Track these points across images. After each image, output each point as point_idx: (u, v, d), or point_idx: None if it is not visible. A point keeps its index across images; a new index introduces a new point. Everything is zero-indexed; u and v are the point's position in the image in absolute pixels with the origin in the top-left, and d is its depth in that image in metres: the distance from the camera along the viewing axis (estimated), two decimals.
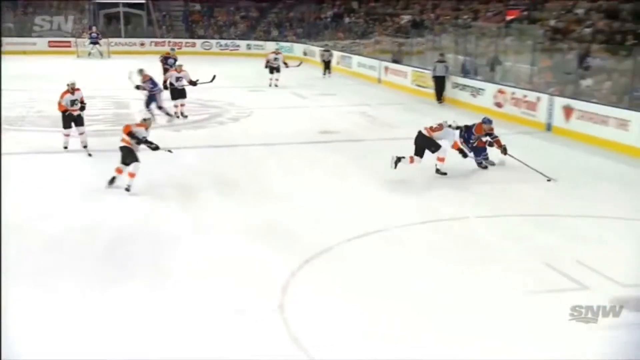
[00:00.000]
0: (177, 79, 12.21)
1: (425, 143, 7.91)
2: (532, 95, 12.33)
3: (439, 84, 15.23)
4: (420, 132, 7.97)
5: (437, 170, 8.09)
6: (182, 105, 12.47)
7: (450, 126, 8.01)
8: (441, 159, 8.05)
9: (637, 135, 9.27)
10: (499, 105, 13.28)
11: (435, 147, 7.91)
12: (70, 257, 5.25)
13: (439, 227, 6.23)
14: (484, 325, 4.04)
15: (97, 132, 10.54)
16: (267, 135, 11.12)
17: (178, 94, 12.32)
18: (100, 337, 3.86)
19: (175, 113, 12.38)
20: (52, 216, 6.34)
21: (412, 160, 7.91)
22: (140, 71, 11.79)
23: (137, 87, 11.79)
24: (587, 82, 11.94)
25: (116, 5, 31.81)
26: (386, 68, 19.51)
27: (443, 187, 7.75)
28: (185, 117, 12.46)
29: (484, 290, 4.63)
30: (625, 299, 4.30)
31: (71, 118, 9.01)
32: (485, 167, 8.52)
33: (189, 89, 12.46)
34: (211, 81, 13.05)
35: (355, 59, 22.46)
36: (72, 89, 9.02)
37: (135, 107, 13.07)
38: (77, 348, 3.70)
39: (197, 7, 34.01)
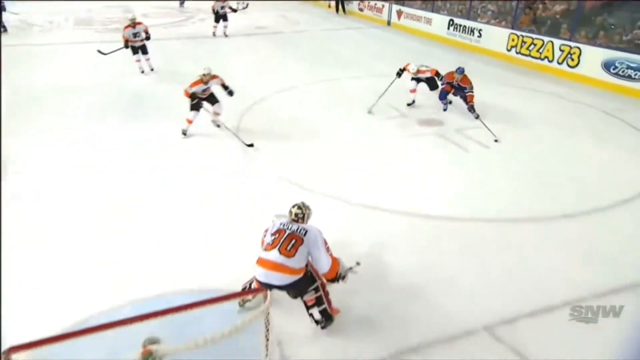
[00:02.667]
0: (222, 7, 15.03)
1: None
2: (380, 4, 19.27)
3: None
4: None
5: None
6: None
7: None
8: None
9: (437, 27, 15.94)
10: (361, 9, 20.52)
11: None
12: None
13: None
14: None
15: None
16: None
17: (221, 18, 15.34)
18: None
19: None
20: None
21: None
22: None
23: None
24: None
25: None
26: None
27: None
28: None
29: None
30: None
31: (134, 48, 10.57)
32: (445, 110, 8.85)
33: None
34: (245, 8, 16.92)
35: None
36: (133, 24, 10.41)
37: None
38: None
39: None
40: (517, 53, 12.80)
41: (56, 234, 5.03)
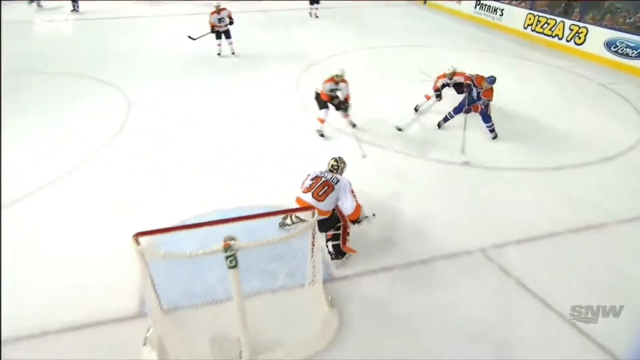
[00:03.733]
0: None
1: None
2: None
3: None
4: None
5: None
6: None
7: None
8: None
9: (466, 6, 16.15)
10: None
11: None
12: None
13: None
14: None
15: None
16: None
17: None
18: None
19: None
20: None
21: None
22: None
23: None
24: None
25: None
26: None
27: None
28: None
29: None
30: None
31: (218, 33, 10.43)
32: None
33: None
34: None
35: None
36: (218, 10, 10.22)
37: None
38: None
39: None
40: (532, 31, 13.19)
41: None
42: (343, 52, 11.22)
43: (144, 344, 3.47)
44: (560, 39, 12.14)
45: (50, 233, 4.70)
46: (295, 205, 4.16)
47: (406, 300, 3.93)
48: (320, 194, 4.07)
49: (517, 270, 4.25)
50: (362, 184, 4.71)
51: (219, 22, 10.21)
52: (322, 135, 6.83)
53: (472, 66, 9.19)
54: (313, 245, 3.52)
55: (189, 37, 10.65)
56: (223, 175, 5.71)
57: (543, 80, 9.62)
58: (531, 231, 4.78)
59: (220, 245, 2.92)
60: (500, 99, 7.76)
